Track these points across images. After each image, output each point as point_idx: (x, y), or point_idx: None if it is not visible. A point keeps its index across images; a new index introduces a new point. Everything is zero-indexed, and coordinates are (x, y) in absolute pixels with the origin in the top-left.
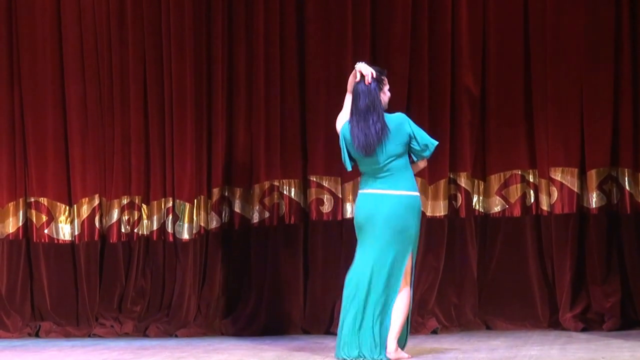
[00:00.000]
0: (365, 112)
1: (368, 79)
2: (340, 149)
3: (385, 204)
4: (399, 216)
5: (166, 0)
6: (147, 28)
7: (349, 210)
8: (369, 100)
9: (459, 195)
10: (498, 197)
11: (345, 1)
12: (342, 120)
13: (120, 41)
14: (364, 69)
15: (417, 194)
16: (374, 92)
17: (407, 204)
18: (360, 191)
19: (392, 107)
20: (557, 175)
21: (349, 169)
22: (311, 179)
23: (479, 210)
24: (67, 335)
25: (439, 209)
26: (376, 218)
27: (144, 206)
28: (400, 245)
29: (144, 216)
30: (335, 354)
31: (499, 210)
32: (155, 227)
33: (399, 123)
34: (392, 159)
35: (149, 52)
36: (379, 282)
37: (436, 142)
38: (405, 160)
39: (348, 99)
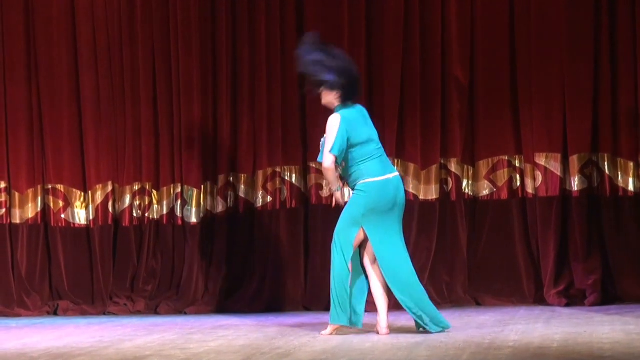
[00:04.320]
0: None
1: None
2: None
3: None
4: None
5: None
6: (155, 25)
7: (346, 194)
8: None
9: (449, 179)
10: (486, 182)
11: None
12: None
13: (130, 38)
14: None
15: None
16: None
17: None
18: (394, 173)
19: (386, 97)
20: (541, 160)
21: (337, 153)
22: (311, 165)
23: (468, 194)
24: (83, 313)
25: (431, 193)
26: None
27: (154, 192)
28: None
29: (154, 201)
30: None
31: (488, 193)
32: (165, 212)
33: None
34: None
35: (158, 48)
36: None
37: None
38: None
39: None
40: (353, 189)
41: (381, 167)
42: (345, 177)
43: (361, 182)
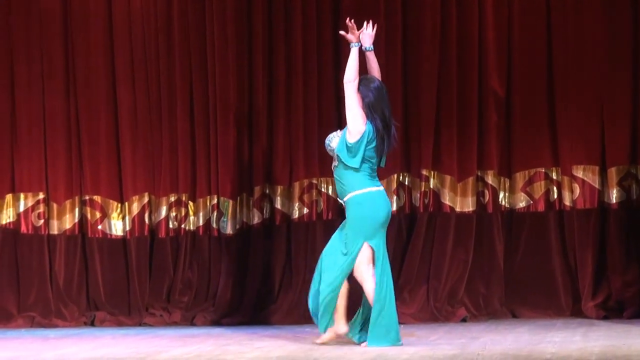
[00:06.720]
0: (390, 122)
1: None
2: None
3: None
4: None
5: (210, 14)
6: (192, 40)
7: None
8: (390, 110)
9: (486, 191)
10: (523, 194)
11: (377, 10)
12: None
13: (167, 51)
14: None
15: None
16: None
17: None
18: (379, 187)
19: (422, 109)
20: (579, 172)
21: (358, 166)
22: None
23: (505, 206)
24: (119, 324)
25: (468, 205)
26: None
27: (191, 203)
28: None
29: (191, 213)
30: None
31: (524, 205)
32: (201, 223)
33: None
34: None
35: (195, 61)
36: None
37: None
38: None
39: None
40: (342, 201)
41: (370, 180)
42: (336, 180)
43: (351, 194)
